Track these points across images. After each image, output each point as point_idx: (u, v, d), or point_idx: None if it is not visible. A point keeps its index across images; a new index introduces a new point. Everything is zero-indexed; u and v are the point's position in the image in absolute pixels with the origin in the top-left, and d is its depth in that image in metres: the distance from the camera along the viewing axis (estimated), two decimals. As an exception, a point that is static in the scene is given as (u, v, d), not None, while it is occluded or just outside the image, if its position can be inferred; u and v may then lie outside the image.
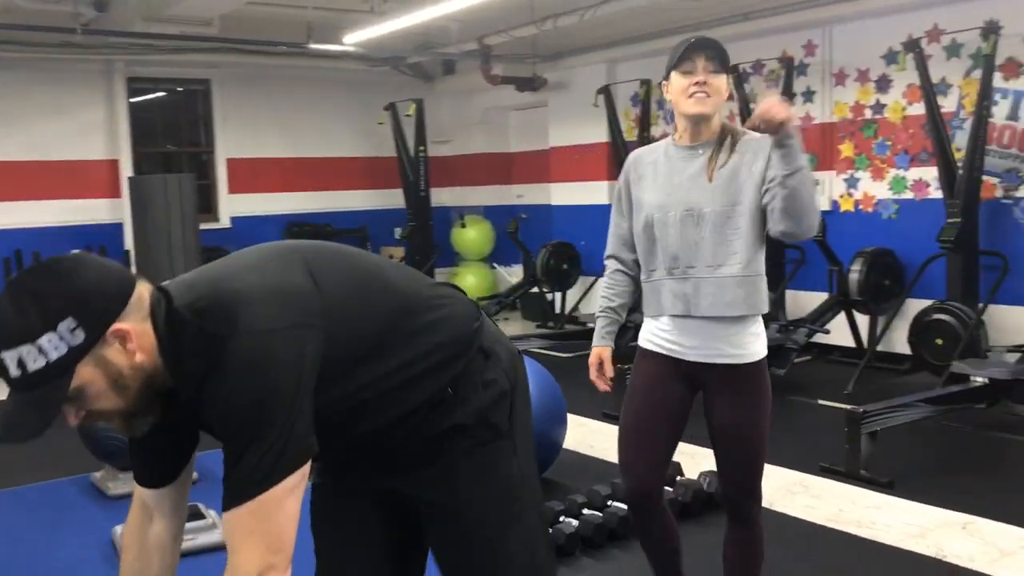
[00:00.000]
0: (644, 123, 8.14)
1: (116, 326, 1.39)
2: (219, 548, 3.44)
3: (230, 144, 9.44)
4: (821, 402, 5.84)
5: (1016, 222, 6.10)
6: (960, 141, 6.12)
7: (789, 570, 3.32)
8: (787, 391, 6.08)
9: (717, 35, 7.63)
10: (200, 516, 3.71)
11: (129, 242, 8.64)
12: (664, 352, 2.53)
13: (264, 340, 1.41)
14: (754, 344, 2.48)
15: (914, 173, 6.66)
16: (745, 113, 7.18)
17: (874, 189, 6.91)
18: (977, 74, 6.07)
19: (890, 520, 3.81)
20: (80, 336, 1.36)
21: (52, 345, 1.35)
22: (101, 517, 4.06)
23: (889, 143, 6.79)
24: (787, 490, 4.21)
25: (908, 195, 6.72)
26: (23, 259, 8.16)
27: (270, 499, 1.39)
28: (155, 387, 1.47)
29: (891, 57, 6.66)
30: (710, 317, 2.43)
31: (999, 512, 3.80)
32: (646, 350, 2.59)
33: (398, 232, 10.52)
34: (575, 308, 8.79)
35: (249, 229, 9.52)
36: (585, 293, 8.77)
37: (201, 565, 3.44)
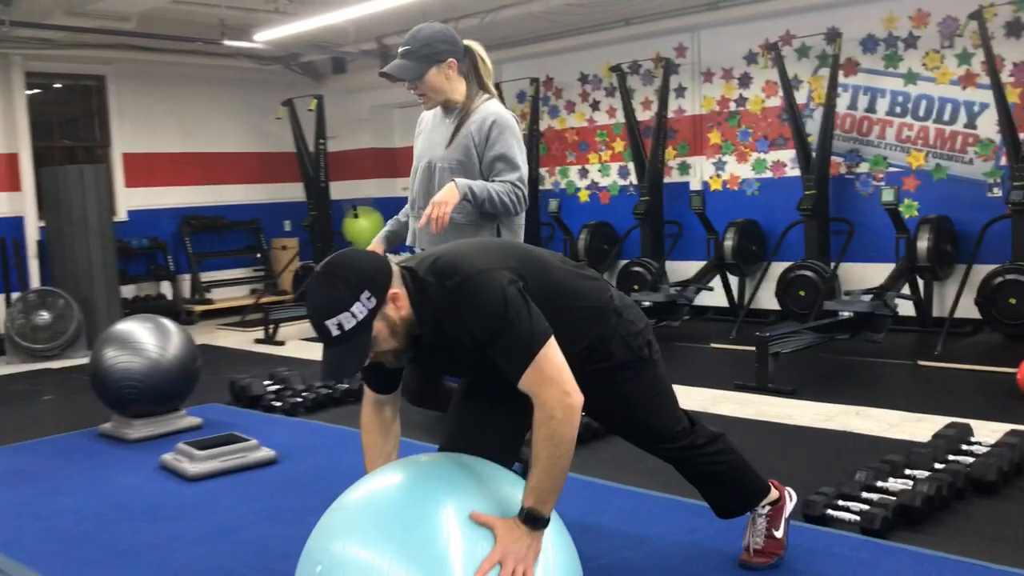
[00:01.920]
0: (534, 116, 9.02)
1: (391, 291, 2.06)
2: (264, 464, 4.06)
3: (126, 139, 9.62)
4: (713, 345, 6.90)
5: (857, 194, 7.40)
6: (810, 128, 7.37)
7: (750, 456, 4.24)
8: (682, 340, 7.12)
9: (600, 38, 8.74)
10: (244, 439, 4.25)
11: (31, 234, 8.72)
12: None
13: (486, 274, 2.09)
14: None
15: (772, 156, 7.88)
16: (628, 109, 8.22)
17: (739, 170, 8.09)
18: (823, 72, 7.35)
19: (801, 413, 4.84)
20: (373, 301, 2.01)
21: (359, 310, 1.99)
22: (135, 453, 4.52)
23: (751, 131, 7.99)
24: (713, 401, 5.17)
25: (768, 174, 7.93)
26: (-78, 253, 8.11)
27: (542, 356, 2.02)
28: (411, 332, 2.14)
29: (751, 57, 7.86)
30: None
31: (880, 404, 4.92)
32: None
33: (287, 224, 11.00)
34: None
35: (145, 221, 9.75)
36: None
37: (251, 476, 4.07)
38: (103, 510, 3.70)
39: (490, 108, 3.06)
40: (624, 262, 8.37)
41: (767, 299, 7.55)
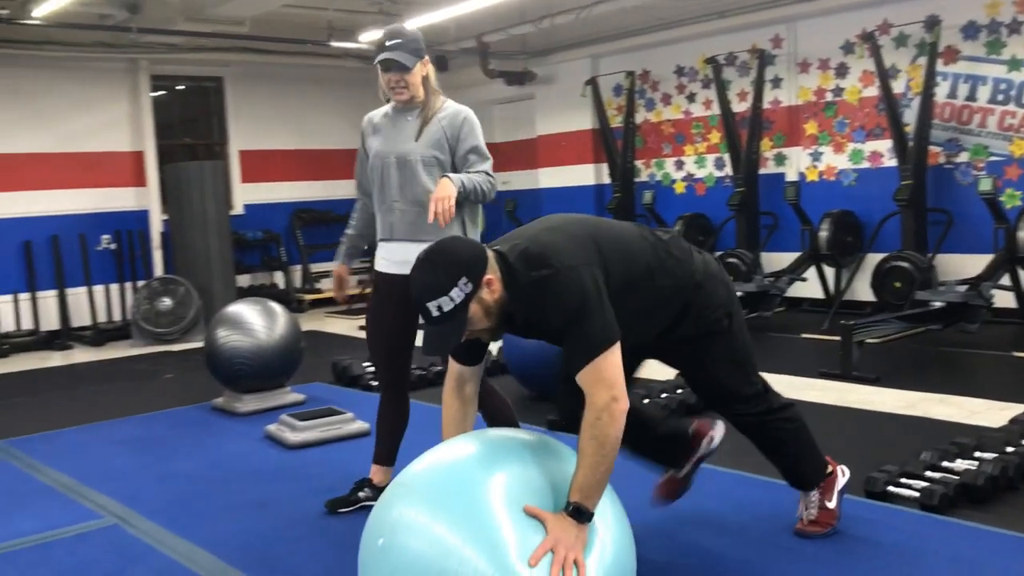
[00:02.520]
0: (629, 109, 9.15)
1: (486, 277, 2.26)
2: (358, 436, 4.33)
3: (242, 136, 10.18)
4: (804, 336, 6.92)
5: (957, 184, 7.27)
6: (908, 117, 7.28)
7: (824, 440, 4.31)
8: (774, 330, 7.15)
9: (696, 31, 8.77)
10: (341, 413, 4.57)
11: (155, 227, 9.34)
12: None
13: (572, 271, 2.28)
14: None
15: (869, 146, 7.81)
16: (724, 101, 8.26)
17: (836, 161, 8.04)
18: (921, 61, 7.24)
19: (883, 400, 4.86)
20: (470, 286, 2.21)
21: (456, 294, 2.19)
22: (243, 425, 4.90)
23: (847, 121, 7.93)
24: (795, 388, 5.22)
25: (865, 164, 7.86)
26: (60, 243, 8.79)
27: (602, 359, 2.20)
28: (504, 312, 2.34)
29: (848, 47, 7.81)
30: None
31: (966, 392, 4.90)
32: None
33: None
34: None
35: (259, 215, 10.30)
36: (576, 265, 9.73)
37: (345, 446, 4.35)
38: (212, 472, 4.06)
39: (457, 106, 3.26)
40: (719, 253, 8.42)
41: (864, 290, 7.50)
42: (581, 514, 2.05)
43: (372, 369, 5.99)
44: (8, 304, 8.54)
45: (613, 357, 2.21)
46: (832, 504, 2.94)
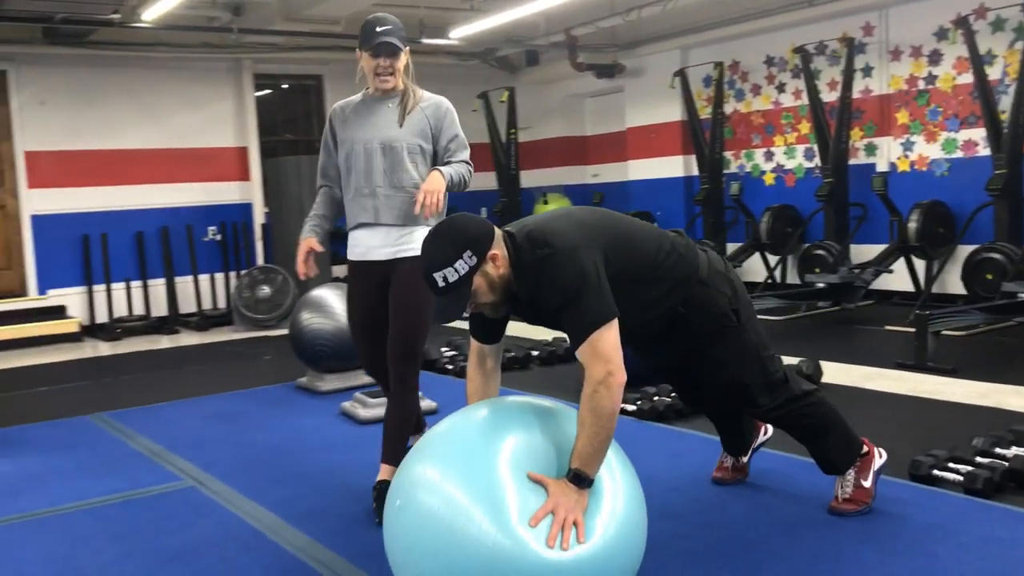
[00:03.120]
0: (718, 100, 9.12)
1: (491, 252, 2.38)
2: (426, 413, 4.56)
3: (340, 132, 10.55)
4: (888, 328, 6.79)
5: (1056, 173, 7.00)
6: (1004, 104, 7.04)
7: (882, 426, 4.29)
8: (858, 322, 7.04)
9: (781, 21, 8.67)
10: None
11: (258, 219, 9.79)
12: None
13: (573, 251, 2.39)
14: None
15: (963, 135, 7.58)
16: (812, 91, 8.15)
17: (928, 150, 7.83)
18: (1019, 45, 7.00)
19: (955, 390, 4.77)
20: (474, 260, 2.33)
21: (461, 266, 2.32)
22: (322, 402, 5.17)
23: (940, 110, 7.73)
24: (866, 377, 5.17)
25: (958, 154, 7.63)
26: (169, 235, 9.32)
27: (598, 335, 2.31)
28: (509, 288, 2.46)
29: (942, 33, 7.60)
30: None
31: (1044, 384, 4.76)
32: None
33: (484, 211, 11.60)
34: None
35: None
36: (664, 257, 9.73)
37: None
38: (286, 443, 4.32)
39: (437, 96, 3.33)
40: (807, 245, 8.32)
41: (955, 283, 7.30)
42: (581, 480, 2.17)
43: (450, 354, 6.20)
44: (121, 291, 9.10)
45: (609, 334, 2.31)
46: (868, 483, 2.96)
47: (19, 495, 3.70)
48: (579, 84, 10.78)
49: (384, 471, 3.23)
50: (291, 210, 8.90)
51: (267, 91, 10.20)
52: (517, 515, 2.09)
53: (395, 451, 3.22)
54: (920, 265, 7.69)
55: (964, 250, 7.15)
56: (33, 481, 3.88)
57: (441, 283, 2.35)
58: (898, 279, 7.71)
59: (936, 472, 3.26)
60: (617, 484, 2.28)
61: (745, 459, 3.35)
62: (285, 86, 10.58)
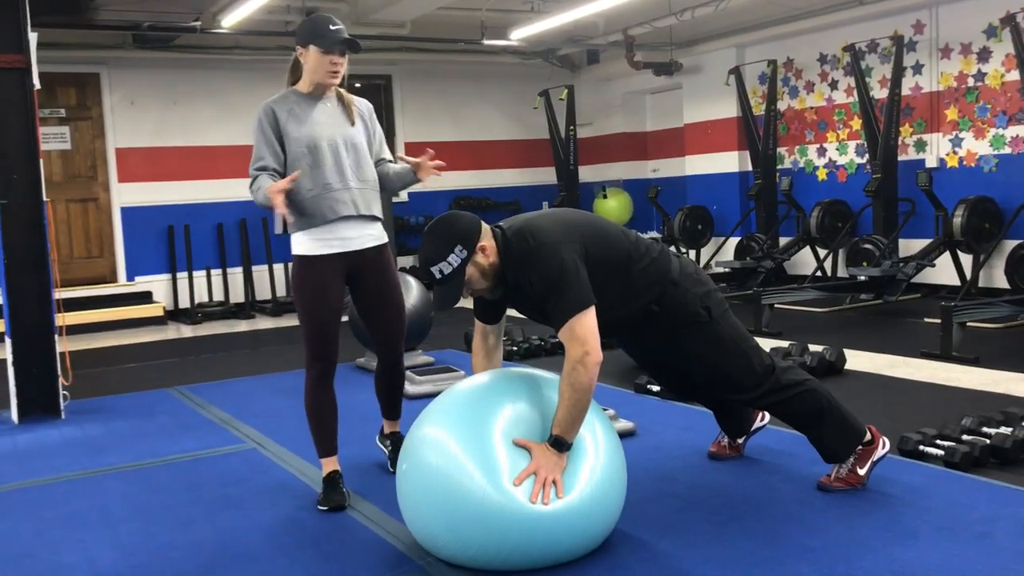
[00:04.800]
0: (771, 97, 9.32)
1: (480, 244, 2.76)
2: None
3: (407, 129, 11.06)
4: (927, 320, 6.95)
5: (1101, 168, 7.07)
6: (1051, 101, 7.14)
7: (888, 408, 4.54)
8: (898, 315, 7.22)
9: (834, 19, 8.87)
10: (455, 371, 5.18)
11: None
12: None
13: (554, 246, 2.74)
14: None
15: (1012, 131, 7.67)
16: (862, 88, 8.31)
17: (976, 147, 7.94)
18: (1066, 42, 7.07)
19: (970, 378, 4.99)
20: (465, 253, 2.72)
21: (453, 259, 2.71)
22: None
23: (989, 106, 7.82)
24: (889, 365, 5.40)
25: (1007, 150, 7.73)
26: (247, 226, 9.92)
27: (577, 320, 2.65)
28: (499, 275, 2.83)
29: (991, 31, 7.69)
30: None
31: (1061, 373, 4.94)
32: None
33: (545, 204, 11.97)
34: (708, 263, 10.03)
35: (422, 202, 11.14)
36: (718, 250, 10.00)
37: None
38: (341, 415, 4.56)
39: (358, 97, 3.52)
40: (855, 239, 8.48)
41: (1002, 277, 7.42)
42: (560, 444, 2.57)
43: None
44: (202, 278, 9.76)
45: (586, 319, 2.66)
46: (863, 471, 3.13)
47: (108, 452, 4.24)
48: (638, 81, 11.07)
49: (390, 425, 3.89)
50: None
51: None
52: (507, 473, 2.52)
53: (398, 408, 3.86)
54: (967, 260, 7.80)
55: (1009, 245, 7.26)
56: (119, 441, 4.43)
57: (438, 275, 2.75)
58: (945, 273, 7.84)
59: (922, 448, 3.52)
60: (599, 448, 2.68)
61: (740, 441, 3.61)
62: (358, 85, 11.11)
